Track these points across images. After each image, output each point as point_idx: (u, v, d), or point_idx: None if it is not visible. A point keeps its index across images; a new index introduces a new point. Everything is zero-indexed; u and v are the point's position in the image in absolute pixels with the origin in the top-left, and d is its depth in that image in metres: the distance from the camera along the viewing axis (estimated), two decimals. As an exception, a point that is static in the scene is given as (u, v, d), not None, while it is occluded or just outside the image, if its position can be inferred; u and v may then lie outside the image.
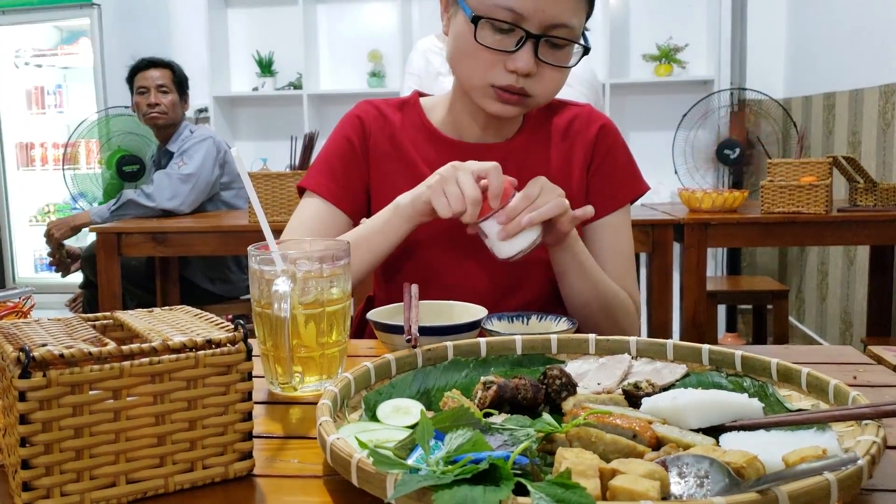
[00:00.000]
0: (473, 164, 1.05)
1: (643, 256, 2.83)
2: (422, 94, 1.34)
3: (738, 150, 4.01)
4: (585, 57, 1.17)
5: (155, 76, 3.37)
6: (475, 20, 1.09)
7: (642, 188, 1.29)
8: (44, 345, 0.59)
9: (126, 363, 0.58)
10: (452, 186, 1.03)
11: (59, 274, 3.62)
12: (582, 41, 1.14)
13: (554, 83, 1.15)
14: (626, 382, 0.78)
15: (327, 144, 1.30)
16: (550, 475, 0.54)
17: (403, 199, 1.12)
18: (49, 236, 3.36)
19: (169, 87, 3.37)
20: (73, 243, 3.58)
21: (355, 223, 1.26)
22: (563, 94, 1.26)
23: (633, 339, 0.88)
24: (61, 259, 3.47)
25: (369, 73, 4.90)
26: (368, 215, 1.26)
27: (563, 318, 1.06)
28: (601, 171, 1.26)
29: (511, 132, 1.27)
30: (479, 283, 1.21)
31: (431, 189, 1.05)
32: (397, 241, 1.14)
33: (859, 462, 0.53)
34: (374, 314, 1.03)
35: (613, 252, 1.25)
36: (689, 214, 2.69)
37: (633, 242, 1.29)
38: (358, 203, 1.27)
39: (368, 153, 1.27)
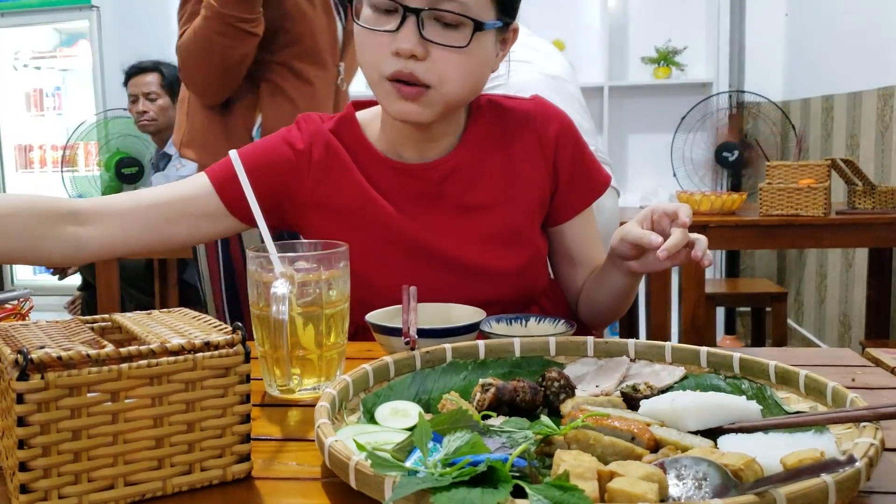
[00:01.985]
0: None
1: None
2: (359, 106, 1.20)
3: (736, 153, 4.02)
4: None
5: (143, 83, 3.38)
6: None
7: (607, 178, 1.24)
8: (42, 347, 0.59)
9: (124, 365, 0.58)
10: None
11: (57, 276, 3.62)
12: (492, 18, 0.99)
13: (452, 69, 1.00)
14: (624, 385, 0.78)
15: (257, 148, 1.16)
16: (549, 477, 0.54)
17: None
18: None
19: (158, 92, 3.38)
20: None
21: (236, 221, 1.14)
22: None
23: (631, 341, 0.88)
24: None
25: (368, 75, 4.89)
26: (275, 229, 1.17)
27: (562, 321, 1.06)
28: (574, 176, 1.20)
29: (452, 143, 1.15)
30: (449, 296, 1.11)
31: None
32: None
33: (857, 464, 0.53)
34: (372, 316, 1.03)
35: (597, 238, 1.25)
36: (687, 217, 2.68)
37: None
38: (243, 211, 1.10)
39: (298, 175, 1.14)
